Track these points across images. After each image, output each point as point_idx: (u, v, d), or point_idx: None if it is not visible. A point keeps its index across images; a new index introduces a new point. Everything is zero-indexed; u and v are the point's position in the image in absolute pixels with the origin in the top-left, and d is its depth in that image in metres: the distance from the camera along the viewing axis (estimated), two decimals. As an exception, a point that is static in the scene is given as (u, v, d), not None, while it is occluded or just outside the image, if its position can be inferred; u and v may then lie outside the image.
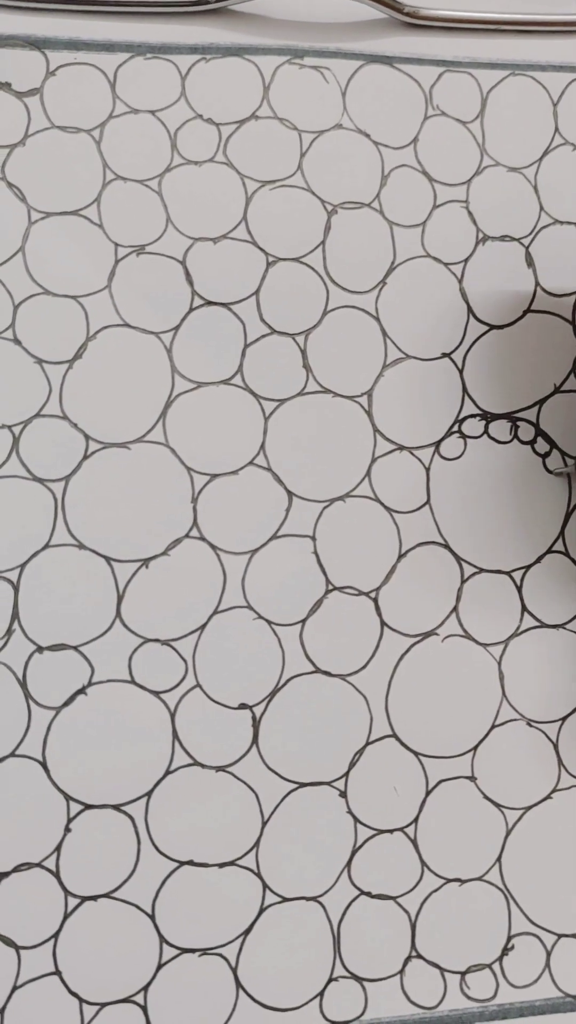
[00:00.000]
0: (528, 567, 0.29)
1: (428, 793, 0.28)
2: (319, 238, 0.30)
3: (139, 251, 0.29)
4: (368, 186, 0.30)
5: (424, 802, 0.28)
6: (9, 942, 0.25)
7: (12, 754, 0.26)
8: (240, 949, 0.26)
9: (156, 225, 0.29)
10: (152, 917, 0.26)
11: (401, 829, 0.27)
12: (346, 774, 0.27)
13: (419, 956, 0.27)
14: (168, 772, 0.27)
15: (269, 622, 0.28)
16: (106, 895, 0.26)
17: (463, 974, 0.27)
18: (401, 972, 0.27)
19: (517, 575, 0.29)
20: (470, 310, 0.30)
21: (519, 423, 0.30)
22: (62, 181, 0.29)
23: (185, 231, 0.29)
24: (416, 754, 0.28)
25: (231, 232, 0.29)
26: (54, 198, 0.28)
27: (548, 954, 0.27)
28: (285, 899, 0.27)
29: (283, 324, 0.29)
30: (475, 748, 0.28)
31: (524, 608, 0.29)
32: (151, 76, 0.29)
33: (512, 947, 0.27)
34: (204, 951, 0.26)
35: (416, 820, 0.27)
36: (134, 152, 0.29)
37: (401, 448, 0.29)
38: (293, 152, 0.30)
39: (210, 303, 0.29)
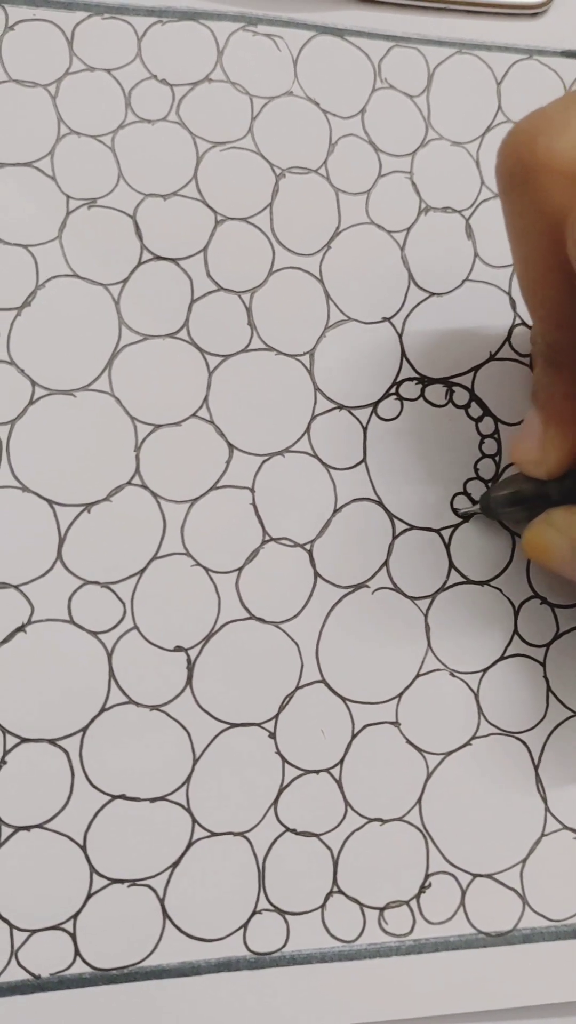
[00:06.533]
0: (456, 526, 0.30)
1: (354, 737, 0.29)
2: (267, 200, 0.30)
3: (90, 204, 0.29)
4: (316, 153, 0.31)
5: (350, 745, 0.29)
6: (-58, 867, 0.26)
7: (-50, 687, 0.27)
8: (168, 881, 0.27)
9: (108, 180, 0.29)
10: (83, 848, 0.27)
11: (327, 770, 0.28)
12: (276, 716, 0.28)
13: (340, 892, 0.28)
14: (104, 709, 0.27)
15: (206, 569, 0.29)
16: (39, 825, 0.27)
17: (382, 910, 0.28)
18: (322, 907, 0.28)
19: (446, 533, 0.30)
20: (411, 277, 0.31)
21: (454, 388, 0.31)
22: (17, 133, 0.29)
23: (136, 187, 0.30)
24: (343, 699, 0.29)
25: (181, 190, 0.30)
26: (9, 149, 0.29)
27: (463, 893, 0.29)
28: (213, 834, 0.28)
29: (229, 282, 0.30)
30: (400, 695, 0.29)
31: (451, 565, 0.30)
32: (108, 36, 0.30)
33: (429, 885, 0.29)
34: (133, 882, 0.27)
35: (341, 762, 0.29)
36: (89, 108, 0.30)
37: (340, 407, 0.30)
38: (244, 116, 0.31)
39: (159, 258, 0.29)
